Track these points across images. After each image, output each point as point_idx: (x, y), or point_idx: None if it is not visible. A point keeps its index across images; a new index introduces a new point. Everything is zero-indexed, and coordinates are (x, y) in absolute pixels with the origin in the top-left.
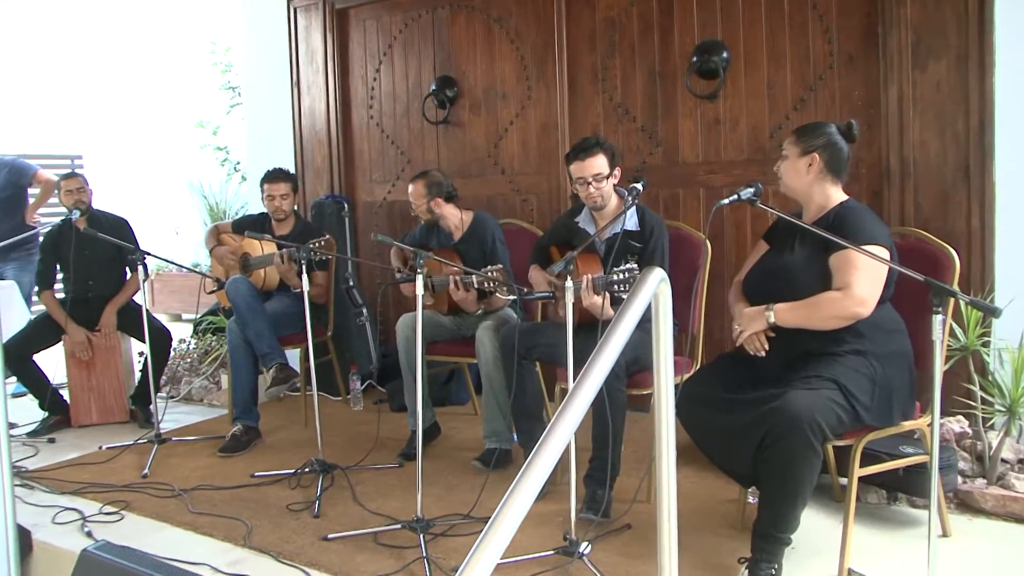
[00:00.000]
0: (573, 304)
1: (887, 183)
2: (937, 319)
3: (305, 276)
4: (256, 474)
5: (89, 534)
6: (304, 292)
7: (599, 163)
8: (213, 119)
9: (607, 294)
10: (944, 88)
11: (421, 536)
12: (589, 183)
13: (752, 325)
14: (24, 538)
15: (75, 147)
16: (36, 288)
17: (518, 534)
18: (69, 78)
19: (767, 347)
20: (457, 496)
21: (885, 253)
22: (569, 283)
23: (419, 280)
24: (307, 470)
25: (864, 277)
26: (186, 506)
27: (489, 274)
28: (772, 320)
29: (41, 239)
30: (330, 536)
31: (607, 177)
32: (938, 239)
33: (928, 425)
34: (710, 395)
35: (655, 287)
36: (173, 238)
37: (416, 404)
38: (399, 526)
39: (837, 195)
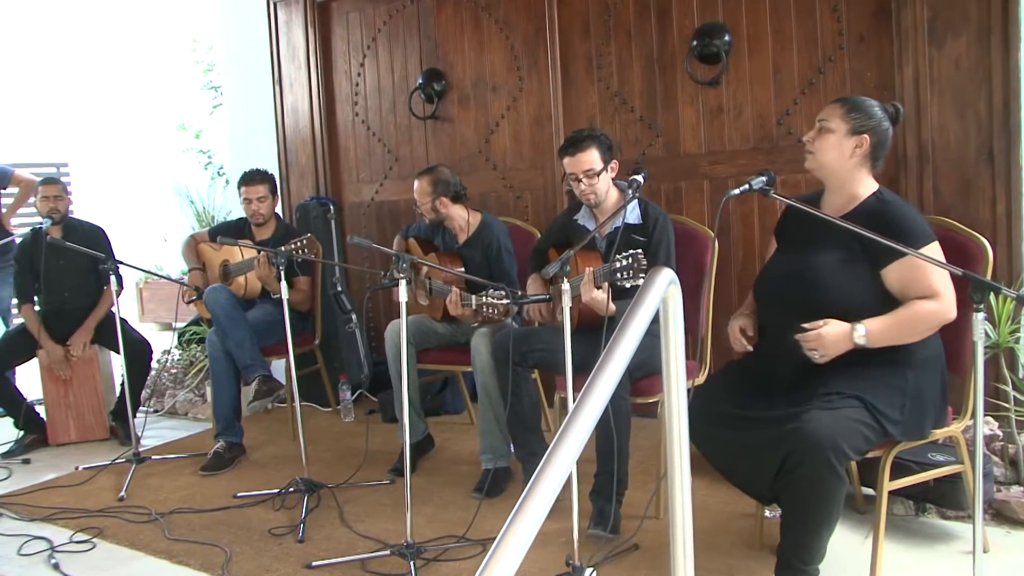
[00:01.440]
0: (572, 307)
1: (903, 169)
2: (978, 318)
3: (284, 281)
4: (239, 495)
5: (56, 566)
6: (283, 297)
7: (590, 158)
8: (196, 121)
9: (609, 288)
10: (964, 66)
11: (411, 563)
12: (580, 179)
13: (837, 348)
14: None
15: (60, 154)
16: (15, 301)
17: None
18: (51, 83)
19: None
20: (451, 515)
21: (940, 249)
22: (566, 285)
23: (402, 286)
24: (291, 490)
25: (944, 278)
26: (163, 532)
27: (490, 298)
28: (863, 344)
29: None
30: (314, 564)
31: (599, 173)
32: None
33: (963, 432)
34: (719, 411)
35: (664, 290)
36: (162, 245)
37: (403, 417)
38: (388, 552)
39: (870, 184)
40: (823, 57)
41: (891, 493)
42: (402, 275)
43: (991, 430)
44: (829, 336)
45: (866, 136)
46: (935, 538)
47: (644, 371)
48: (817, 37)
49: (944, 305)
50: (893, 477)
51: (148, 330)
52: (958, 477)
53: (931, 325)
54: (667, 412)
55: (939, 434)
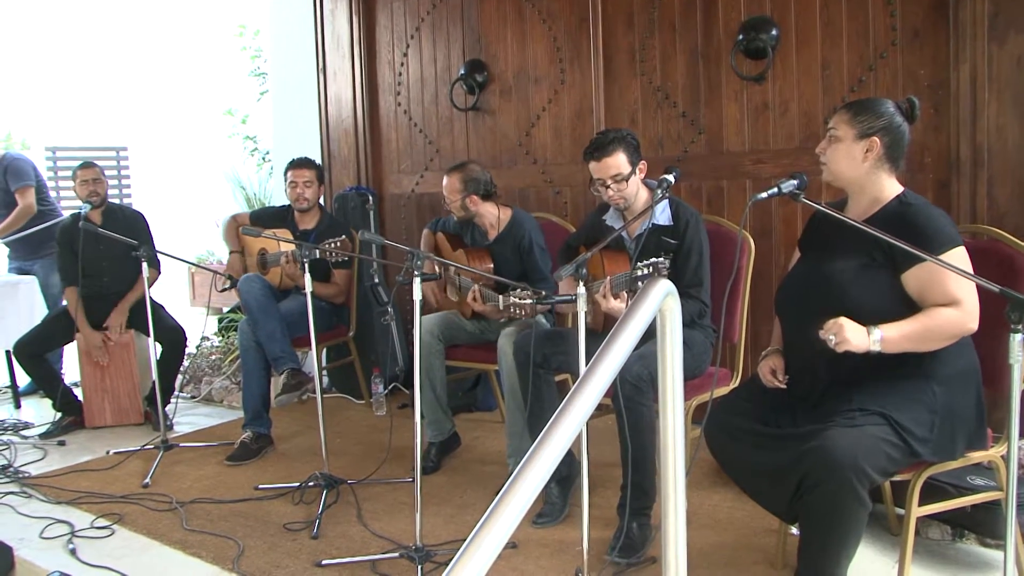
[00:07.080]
0: (593, 310)
1: (956, 174)
2: (1016, 338)
3: (308, 278)
4: (260, 486)
5: (73, 552)
6: (307, 291)
7: (617, 162)
8: (244, 108)
9: (629, 296)
10: None
11: (419, 568)
12: (608, 185)
13: (856, 338)
14: (6, 555)
15: (119, 138)
16: (61, 284)
17: (529, 565)
18: (111, 71)
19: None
20: (471, 517)
21: (966, 255)
22: (581, 289)
23: (416, 284)
24: (311, 484)
25: (965, 285)
26: (181, 522)
27: (514, 298)
28: (878, 348)
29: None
30: (324, 562)
31: (627, 177)
32: (1016, 239)
33: (1002, 456)
34: (741, 426)
35: (659, 302)
36: (214, 229)
37: (417, 414)
38: (398, 554)
39: (892, 187)
40: (874, 53)
41: (927, 517)
42: (417, 273)
43: None
44: (848, 324)
45: (875, 138)
46: (972, 566)
47: None
48: (869, 32)
49: (964, 313)
50: (928, 500)
51: (199, 314)
52: (998, 504)
53: (950, 334)
54: (662, 428)
55: (976, 457)
